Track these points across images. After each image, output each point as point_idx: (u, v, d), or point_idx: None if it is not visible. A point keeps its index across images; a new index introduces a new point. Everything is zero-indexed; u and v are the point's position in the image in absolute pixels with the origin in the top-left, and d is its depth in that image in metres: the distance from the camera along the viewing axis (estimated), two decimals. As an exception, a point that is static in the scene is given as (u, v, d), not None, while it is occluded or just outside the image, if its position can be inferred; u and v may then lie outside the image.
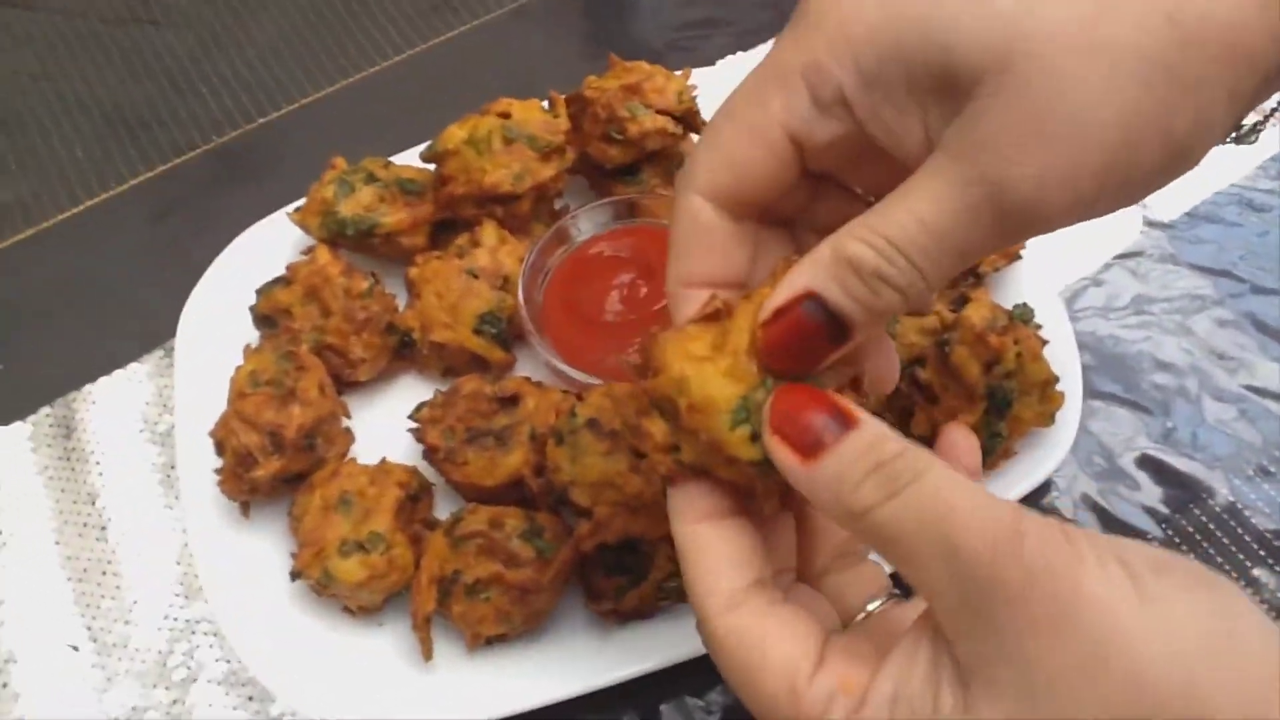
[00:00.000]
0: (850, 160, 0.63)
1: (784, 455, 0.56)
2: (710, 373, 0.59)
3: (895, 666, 0.55)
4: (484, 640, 0.92)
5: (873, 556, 0.71)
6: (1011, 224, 0.54)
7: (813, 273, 0.57)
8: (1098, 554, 0.49)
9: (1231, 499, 1.04)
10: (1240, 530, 1.02)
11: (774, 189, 0.63)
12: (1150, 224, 1.22)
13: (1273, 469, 1.05)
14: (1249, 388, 1.10)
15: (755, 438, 0.58)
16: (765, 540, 0.64)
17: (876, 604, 0.67)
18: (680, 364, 0.60)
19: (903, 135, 0.57)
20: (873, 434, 0.55)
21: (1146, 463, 1.06)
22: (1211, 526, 1.02)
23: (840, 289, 0.56)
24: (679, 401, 0.60)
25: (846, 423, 0.55)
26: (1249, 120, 0.65)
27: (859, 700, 0.54)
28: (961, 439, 0.75)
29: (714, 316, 0.62)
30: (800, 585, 0.69)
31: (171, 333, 1.13)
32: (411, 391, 1.08)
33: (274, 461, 0.95)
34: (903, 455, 0.53)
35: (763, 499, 0.63)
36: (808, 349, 0.58)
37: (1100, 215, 0.56)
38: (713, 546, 0.62)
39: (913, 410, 0.97)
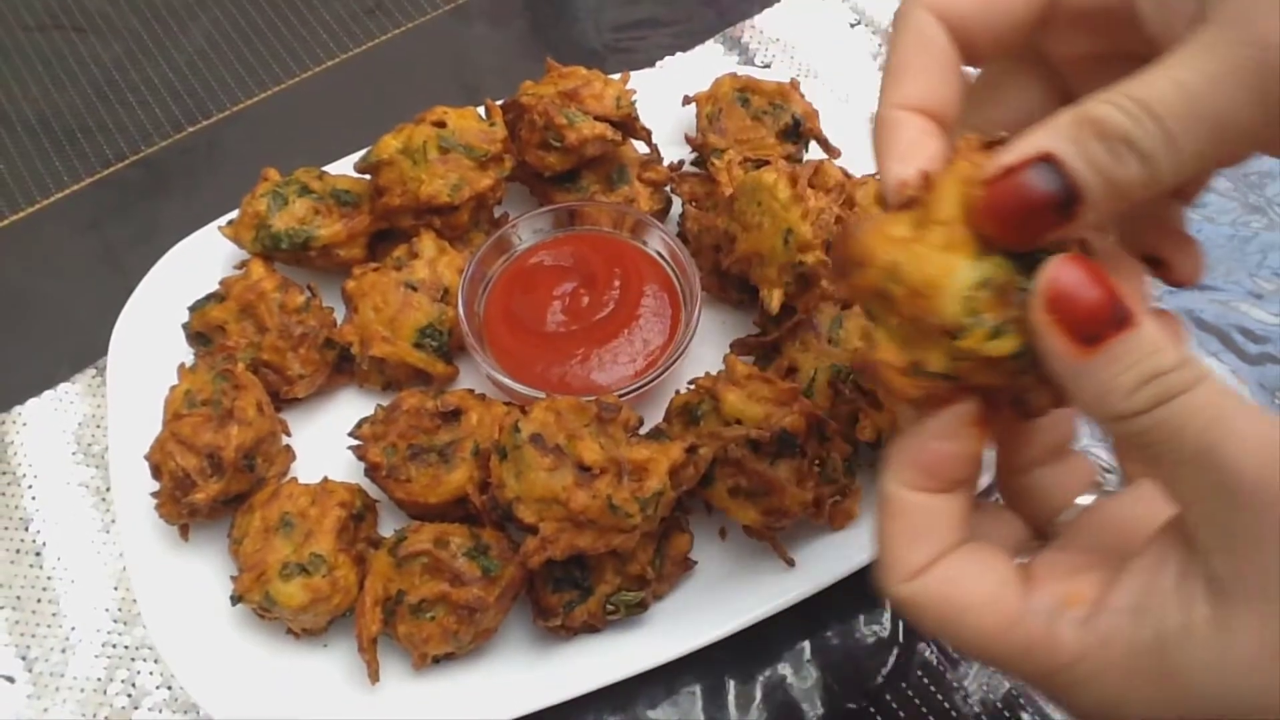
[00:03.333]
0: (1095, 41, 0.59)
1: (1057, 341, 0.50)
2: (922, 250, 0.52)
3: (1138, 577, 0.52)
4: (431, 660, 0.91)
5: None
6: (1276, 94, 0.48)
7: (1050, 135, 0.50)
8: None
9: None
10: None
11: (1011, 30, 0.59)
12: (1090, 222, 1.22)
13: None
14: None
15: (993, 330, 0.52)
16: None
17: (1086, 499, 0.63)
18: (887, 249, 0.53)
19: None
20: (1152, 339, 0.49)
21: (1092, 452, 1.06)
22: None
23: (1079, 152, 0.50)
24: (894, 291, 0.53)
25: (1127, 318, 0.49)
26: None
27: (1091, 610, 0.52)
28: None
29: (909, 205, 0.55)
30: (979, 506, 0.62)
31: (104, 350, 1.10)
32: (352, 407, 1.07)
33: (213, 484, 0.93)
34: (1181, 368, 0.49)
35: (1028, 394, 0.55)
36: (1031, 219, 0.51)
37: None
38: (911, 515, 0.57)
39: (857, 415, 0.97)
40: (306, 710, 0.91)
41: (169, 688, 0.97)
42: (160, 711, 0.96)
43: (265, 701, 0.91)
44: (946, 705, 0.94)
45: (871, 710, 0.94)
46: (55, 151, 1.32)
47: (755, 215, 1.01)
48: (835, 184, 1.05)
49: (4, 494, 1.07)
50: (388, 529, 0.98)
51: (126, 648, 0.99)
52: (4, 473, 1.08)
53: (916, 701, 0.95)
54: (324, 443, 1.04)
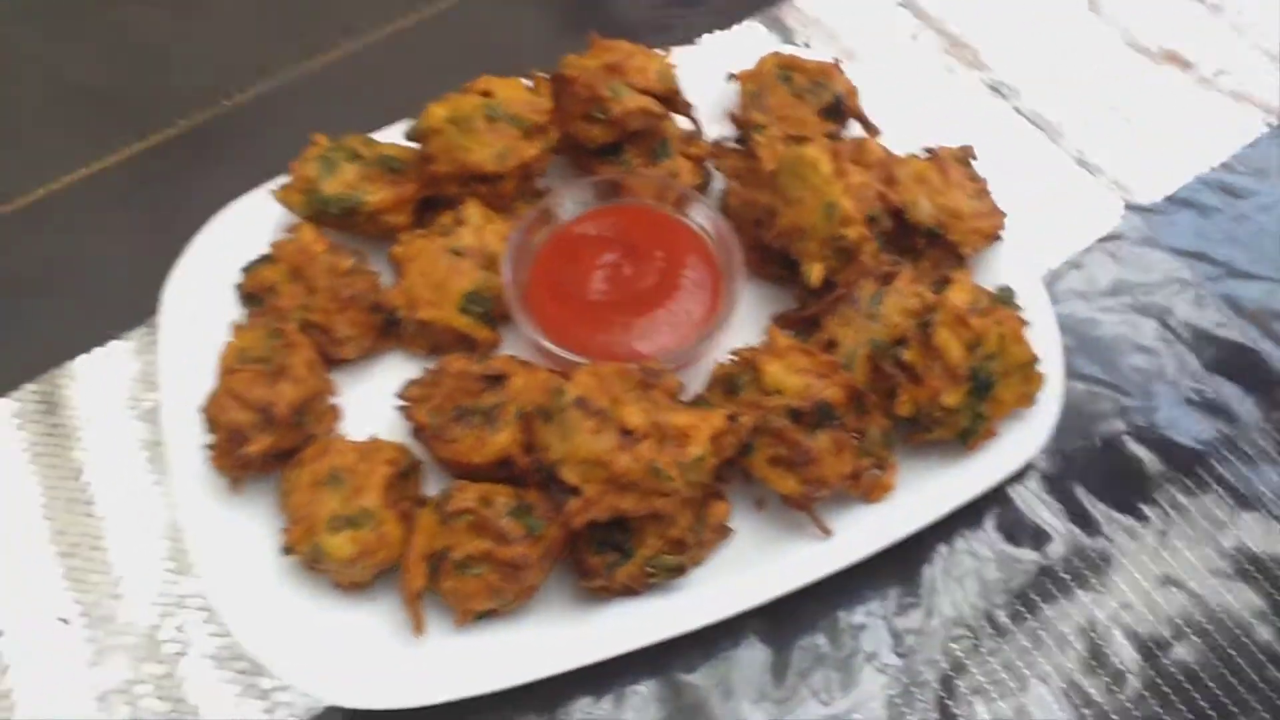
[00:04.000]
0: None
1: None
2: None
3: None
4: (474, 616, 0.93)
5: None
6: None
7: None
8: None
9: (1209, 480, 1.06)
10: (1222, 498, 1.05)
11: None
12: (1130, 207, 1.24)
13: (1248, 450, 1.08)
14: (1226, 370, 1.13)
15: None
16: None
17: None
18: None
19: None
20: None
21: (1126, 444, 1.08)
22: (1190, 508, 1.05)
23: None
24: None
25: None
26: None
27: None
28: None
29: None
30: None
31: (153, 310, 1.13)
32: (397, 369, 1.09)
33: (265, 438, 0.95)
34: None
35: None
36: None
37: None
38: None
39: (896, 390, 0.99)
40: (351, 661, 0.94)
41: (218, 635, 0.99)
42: (209, 658, 0.98)
43: (312, 651, 0.94)
44: (981, 677, 0.96)
45: (905, 680, 0.96)
46: (107, 118, 1.34)
47: (797, 190, 1.03)
48: (876, 161, 1.07)
49: (58, 445, 1.09)
50: (431, 490, 1.00)
51: (178, 596, 1.01)
52: (57, 425, 1.10)
53: (951, 673, 0.97)
54: (369, 403, 1.06)
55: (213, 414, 0.97)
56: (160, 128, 1.34)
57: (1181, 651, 0.98)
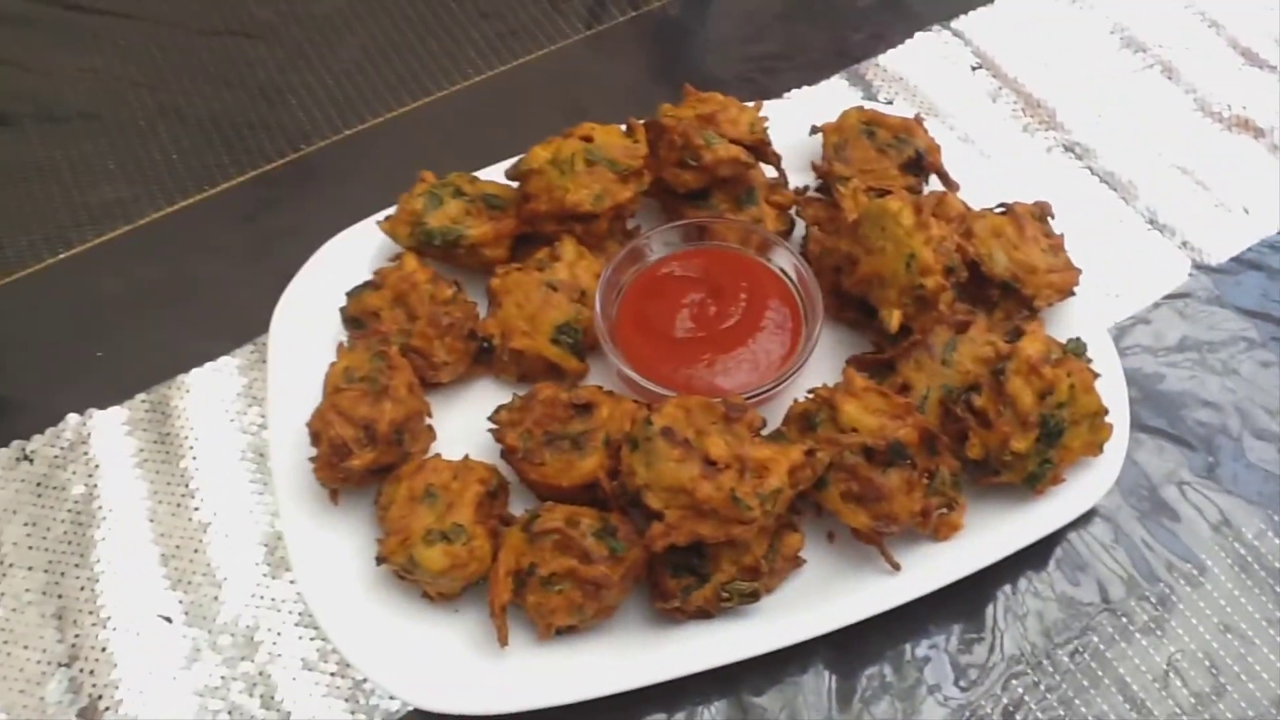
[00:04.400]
0: None
1: None
2: None
3: None
4: (555, 630, 0.98)
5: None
6: None
7: None
8: None
9: (1269, 533, 1.09)
10: (1276, 564, 1.07)
11: None
12: (1198, 267, 1.28)
13: (1309, 507, 1.11)
14: (1290, 428, 1.16)
15: None
16: None
17: None
18: None
19: None
20: None
21: (1188, 495, 1.11)
22: (1249, 559, 1.07)
23: None
24: None
25: None
26: None
27: None
28: None
29: None
30: None
31: (259, 330, 1.20)
32: (487, 395, 1.15)
33: (367, 453, 1.01)
34: None
35: None
36: None
37: None
38: None
39: (967, 434, 1.03)
40: (436, 668, 0.99)
41: (311, 639, 1.05)
42: (301, 659, 1.04)
43: (400, 656, 0.99)
44: (1040, 714, 0.99)
45: (966, 714, 1.00)
46: (222, 146, 1.43)
47: (879, 240, 1.07)
48: (956, 214, 1.12)
49: (168, 453, 1.16)
50: (515, 510, 1.05)
51: (274, 600, 1.07)
52: (168, 434, 1.17)
53: (1010, 708, 1.00)
54: (460, 426, 1.11)
55: (318, 428, 1.03)
56: (274, 158, 1.42)
57: (1237, 698, 1.01)
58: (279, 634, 1.05)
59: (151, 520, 1.12)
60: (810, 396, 1.04)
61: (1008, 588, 1.06)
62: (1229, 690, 1.01)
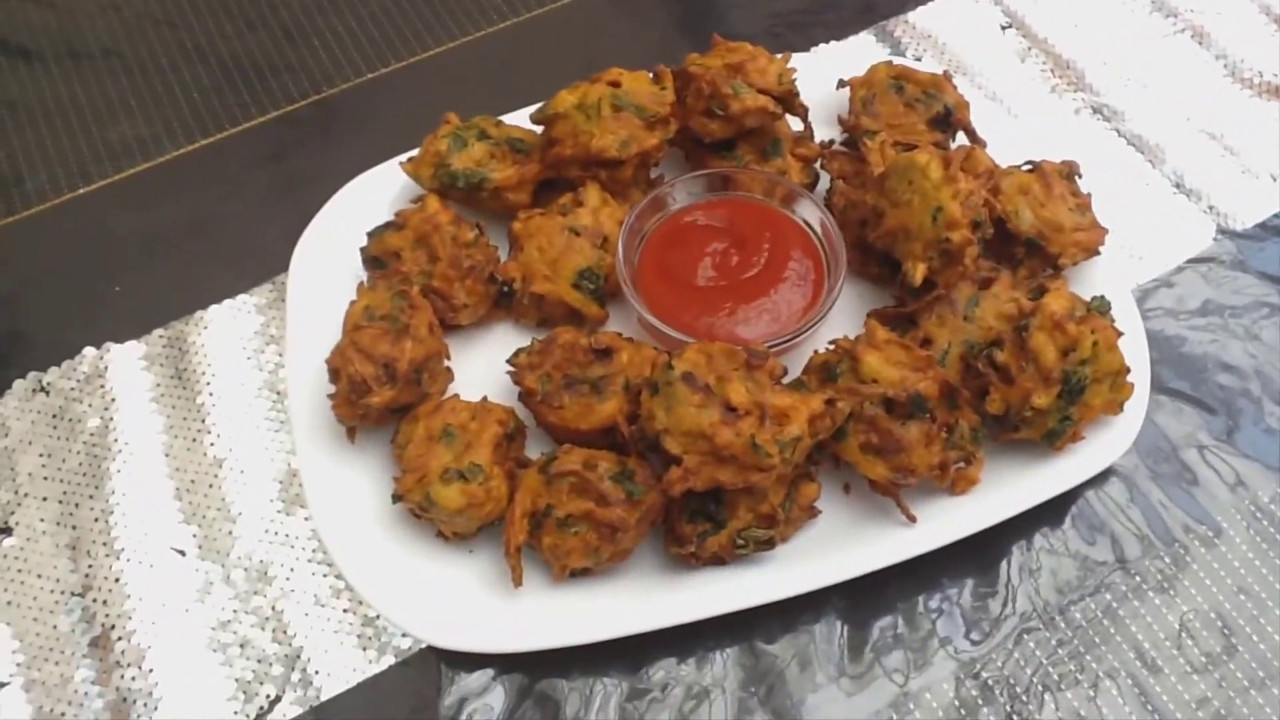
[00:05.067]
0: None
1: None
2: None
3: None
4: (569, 572, 0.98)
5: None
6: None
7: None
8: None
9: (1285, 497, 1.09)
10: (1291, 526, 1.08)
11: None
12: (1223, 232, 1.27)
13: (1328, 472, 1.10)
14: (1310, 395, 1.15)
15: None
16: None
17: None
18: None
19: None
20: None
21: (1206, 458, 1.11)
22: (1265, 523, 1.07)
23: None
24: None
25: None
26: None
27: None
28: None
29: None
30: None
31: (279, 269, 1.20)
32: (506, 339, 1.15)
33: (386, 391, 1.01)
34: None
35: None
36: None
37: None
38: None
39: (988, 389, 1.02)
40: (450, 606, 0.99)
41: (324, 575, 1.05)
42: (314, 595, 1.04)
43: (413, 594, 0.99)
44: (1051, 669, 1.00)
45: (977, 667, 1.00)
46: (244, 86, 1.42)
47: (905, 193, 1.07)
48: (984, 170, 1.11)
49: (184, 388, 1.16)
50: (532, 454, 1.05)
51: (287, 535, 1.07)
52: (185, 369, 1.17)
53: (1020, 663, 1.00)
54: (479, 369, 1.12)
55: (337, 365, 1.03)
56: (296, 100, 1.41)
57: (1248, 658, 1.01)
58: (292, 570, 1.05)
59: (167, 455, 1.12)
60: (831, 347, 1.04)
61: (1023, 543, 1.06)
62: (1240, 650, 1.01)
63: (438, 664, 1.00)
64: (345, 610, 1.03)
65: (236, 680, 1.00)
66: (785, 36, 1.47)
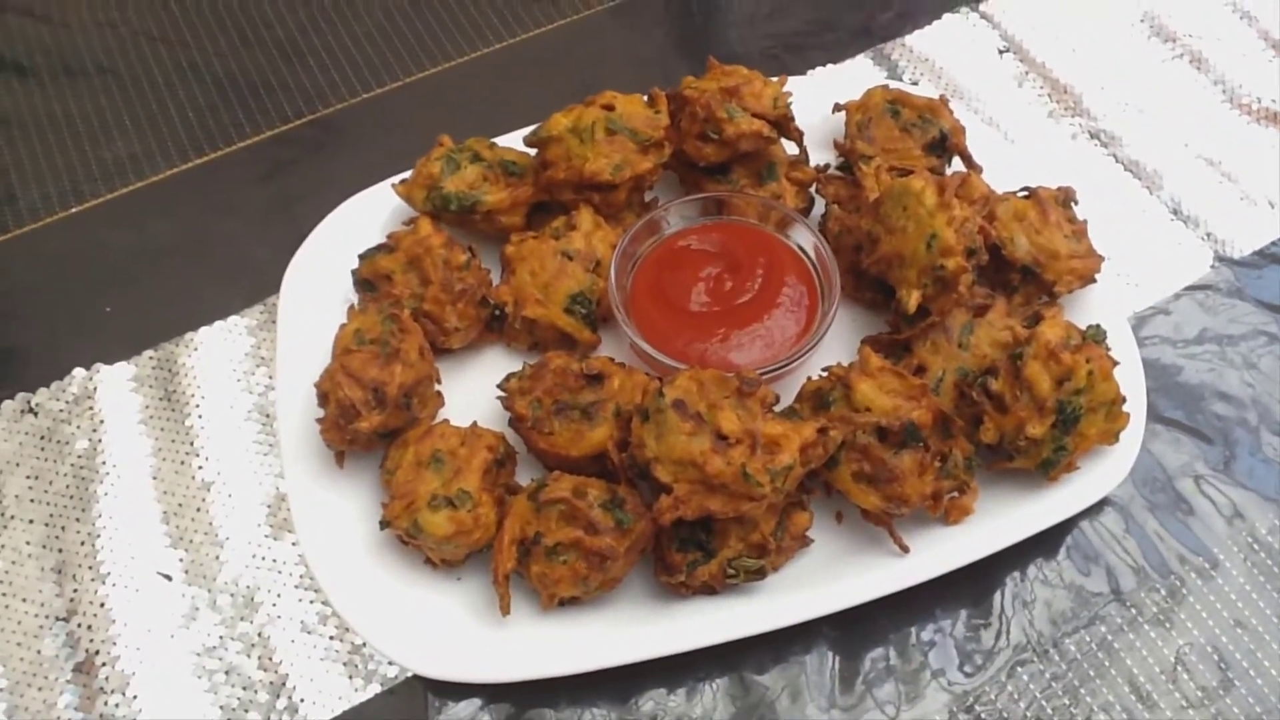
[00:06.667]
0: None
1: None
2: None
3: None
4: (558, 601, 0.97)
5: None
6: None
7: None
8: None
9: (1281, 528, 1.08)
10: (1288, 559, 1.06)
11: None
12: (1221, 259, 1.26)
13: (1325, 503, 1.09)
14: (1307, 425, 1.14)
15: None
16: None
17: None
18: None
19: None
20: None
21: (1202, 488, 1.10)
22: (1262, 555, 1.06)
23: None
24: None
25: None
26: None
27: None
28: None
29: None
30: None
31: (271, 289, 1.19)
32: (497, 363, 1.14)
33: (375, 415, 1.00)
34: None
35: None
36: None
37: None
38: None
39: (982, 418, 1.01)
40: (437, 634, 0.98)
41: (311, 601, 1.04)
42: (301, 621, 1.03)
43: (400, 622, 0.99)
44: (1045, 702, 0.98)
45: (970, 700, 0.99)
46: (238, 105, 1.42)
47: (900, 219, 1.06)
48: (980, 196, 1.11)
49: (173, 411, 1.15)
50: (522, 480, 1.04)
51: (274, 560, 1.06)
52: (174, 391, 1.16)
53: (1014, 695, 0.99)
54: (469, 393, 1.11)
55: (326, 389, 1.02)
56: (291, 119, 1.41)
57: (1244, 693, 0.99)
58: (279, 596, 1.04)
59: (154, 478, 1.11)
60: (825, 375, 1.03)
61: (1016, 574, 1.05)
62: (1236, 685, 1.00)
63: (424, 693, 0.99)
64: (332, 637, 1.02)
65: (221, 707, 0.99)
66: (782, 58, 1.47)
